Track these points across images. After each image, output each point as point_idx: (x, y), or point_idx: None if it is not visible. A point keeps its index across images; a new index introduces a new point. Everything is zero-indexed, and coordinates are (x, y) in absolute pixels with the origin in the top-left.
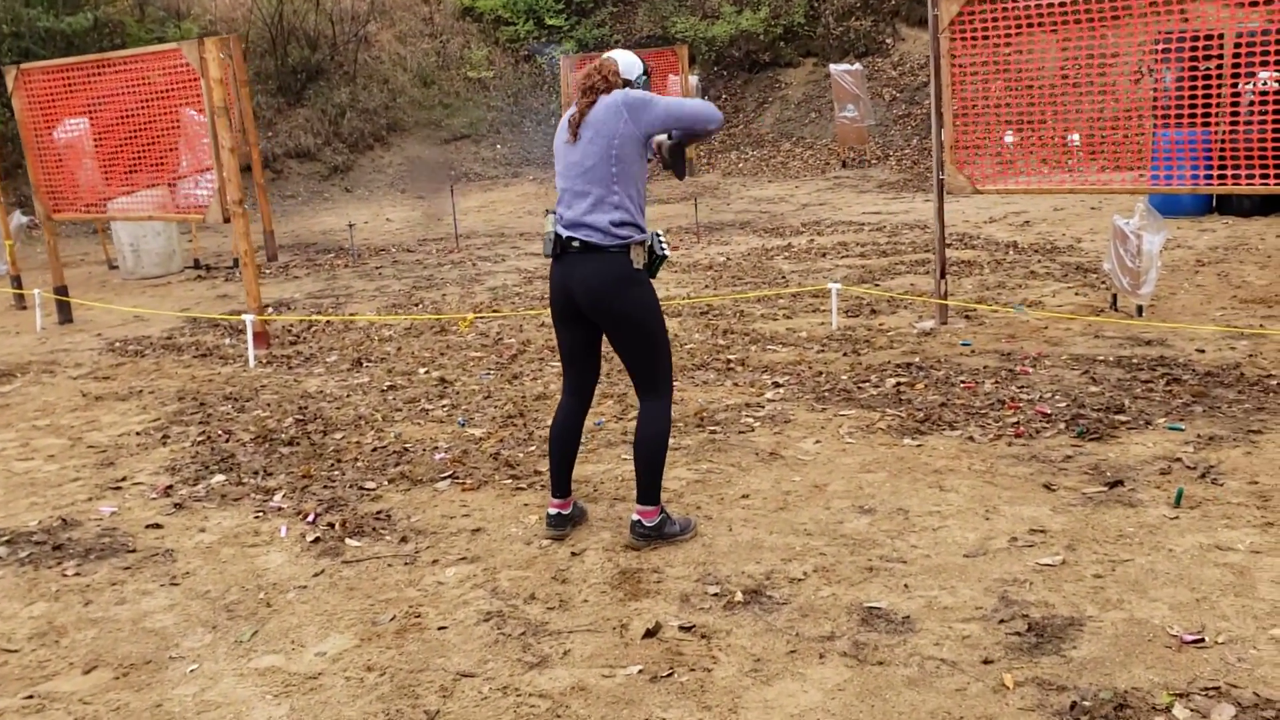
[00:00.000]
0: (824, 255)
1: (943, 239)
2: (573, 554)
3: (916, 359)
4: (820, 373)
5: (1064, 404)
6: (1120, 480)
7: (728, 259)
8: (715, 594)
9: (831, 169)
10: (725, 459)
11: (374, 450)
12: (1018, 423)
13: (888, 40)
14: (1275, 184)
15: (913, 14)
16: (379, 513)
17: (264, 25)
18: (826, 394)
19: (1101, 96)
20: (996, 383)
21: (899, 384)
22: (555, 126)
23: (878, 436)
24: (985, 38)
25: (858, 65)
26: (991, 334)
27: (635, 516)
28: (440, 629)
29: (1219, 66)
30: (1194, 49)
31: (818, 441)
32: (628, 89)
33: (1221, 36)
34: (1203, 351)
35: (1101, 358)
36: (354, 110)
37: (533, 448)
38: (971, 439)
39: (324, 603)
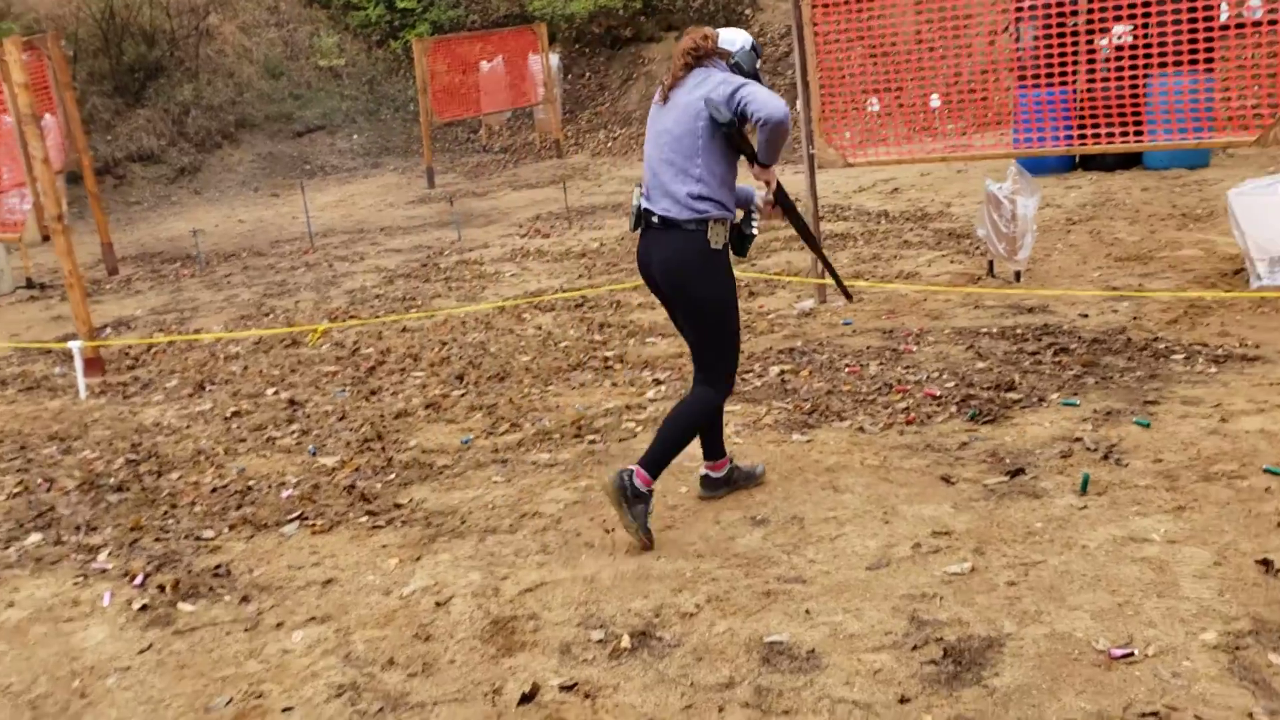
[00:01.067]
0: None
1: (816, 215)
2: (437, 604)
3: (799, 343)
4: None
5: (953, 384)
6: (1021, 468)
7: (601, 244)
8: (600, 640)
9: None
10: (607, 473)
11: (214, 491)
12: (908, 408)
13: (747, 11)
14: (1134, 140)
15: None
16: (217, 567)
17: (94, 23)
18: None
19: (959, 58)
20: (882, 364)
21: (783, 372)
22: (415, 113)
23: (765, 433)
24: (847, 3)
25: None
26: (871, 310)
27: (630, 468)
28: (285, 710)
29: (1075, 24)
30: (1049, 5)
31: None
32: (727, 64)
33: None
34: (1086, 316)
35: (985, 330)
36: (199, 108)
37: (392, 476)
38: (862, 430)
39: (149, 687)
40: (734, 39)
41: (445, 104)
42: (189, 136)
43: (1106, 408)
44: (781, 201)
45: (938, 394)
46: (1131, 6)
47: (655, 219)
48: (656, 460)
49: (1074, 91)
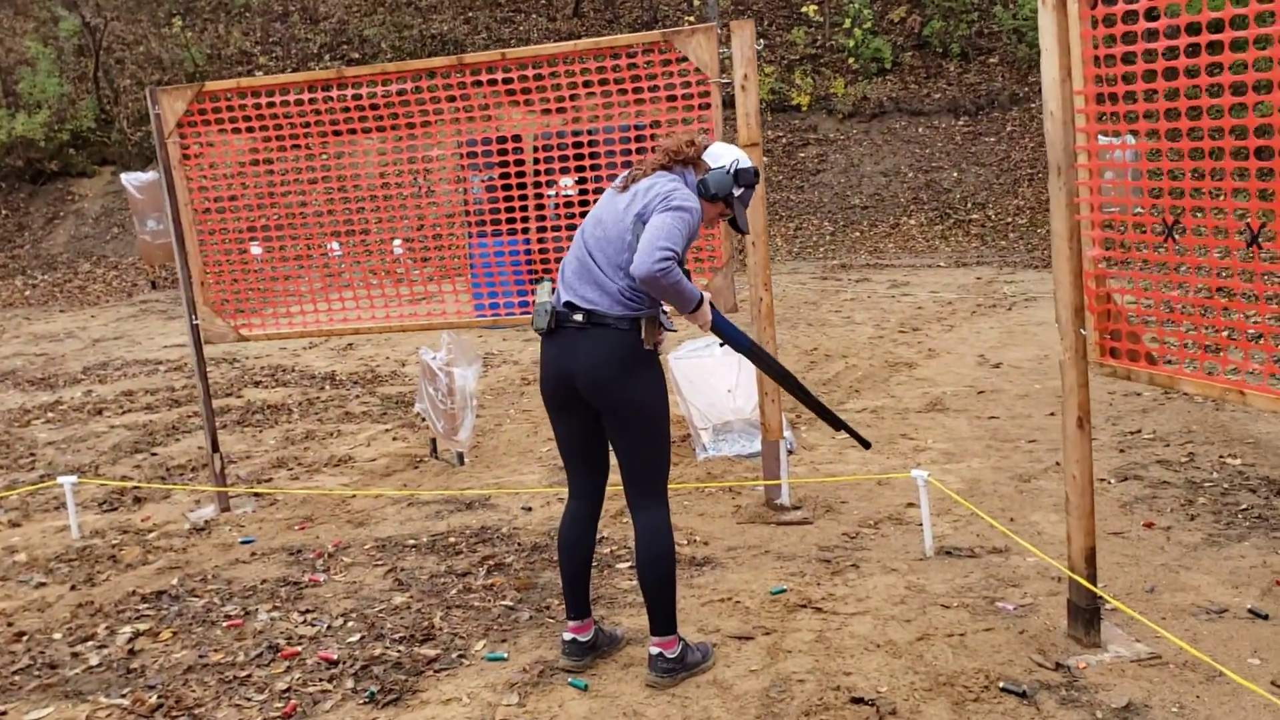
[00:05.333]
0: (100, 412)
1: (209, 403)
2: None
3: (176, 579)
4: (22, 634)
5: (358, 636)
6: None
7: None
8: None
9: (140, 291)
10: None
11: None
12: (290, 689)
13: None
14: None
15: None
16: None
17: None
18: (18, 678)
19: (350, 208)
20: (276, 608)
21: (136, 635)
22: None
23: None
24: (228, 141)
25: (153, 174)
26: (284, 518)
27: (654, 649)
28: None
29: (520, 174)
30: (502, 153)
31: None
32: (684, 181)
33: (519, 139)
34: (529, 510)
35: (413, 541)
36: None
37: None
38: None
39: None
40: (719, 155)
41: None
42: None
43: (539, 660)
44: (736, 346)
45: (335, 658)
46: (579, 159)
47: (579, 318)
48: (663, 617)
49: (525, 244)
